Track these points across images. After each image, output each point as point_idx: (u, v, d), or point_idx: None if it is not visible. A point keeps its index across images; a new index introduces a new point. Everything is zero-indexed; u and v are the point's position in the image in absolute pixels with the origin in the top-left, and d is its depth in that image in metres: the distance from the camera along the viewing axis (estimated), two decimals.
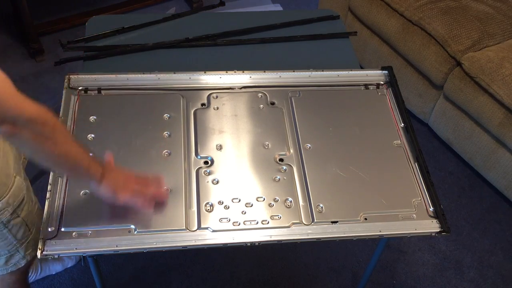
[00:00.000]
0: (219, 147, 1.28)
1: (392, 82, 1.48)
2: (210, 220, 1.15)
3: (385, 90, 1.48)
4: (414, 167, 1.30)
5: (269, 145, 1.30)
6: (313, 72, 1.47)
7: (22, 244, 1.27)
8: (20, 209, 1.20)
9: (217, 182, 1.21)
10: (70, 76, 1.37)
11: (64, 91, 1.34)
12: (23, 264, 1.33)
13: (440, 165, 2.31)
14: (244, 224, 1.15)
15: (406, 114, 1.40)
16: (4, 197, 1.13)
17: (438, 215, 1.21)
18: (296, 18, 1.72)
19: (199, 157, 1.26)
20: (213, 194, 1.19)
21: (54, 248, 1.06)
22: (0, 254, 1.26)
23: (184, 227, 1.12)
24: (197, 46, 1.59)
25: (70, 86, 1.35)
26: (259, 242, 1.13)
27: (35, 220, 1.27)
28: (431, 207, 1.22)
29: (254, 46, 1.63)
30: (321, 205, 1.20)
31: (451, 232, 1.49)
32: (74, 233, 1.08)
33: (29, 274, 1.69)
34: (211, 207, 1.17)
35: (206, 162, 1.25)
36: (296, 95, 1.42)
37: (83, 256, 1.75)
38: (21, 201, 1.19)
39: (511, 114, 1.94)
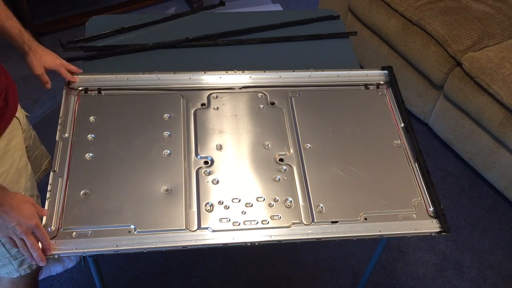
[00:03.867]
0: (219, 147, 1.28)
1: (392, 82, 1.48)
2: (210, 220, 1.15)
3: (385, 90, 1.48)
4: (414, 167, 1.30)
5: (269, 145, 1.30)
6: (313, 72, 1.47)
7: (16, 260, 1.26)
8: None
9: (217, 182, 1.21)
10: None
11: (64, 91, 1.34)
12: (34, 267, 1.33)
13: (440, 165, 2.31)
14: (244, 224, 1.15)
15: (406, 114, 1.40)
16: None
17: (438, 215, 1.21)
18: (296, 18, 1.72)
19: (199, 157, 1.26)
20: (213, 194, 1.19)
21: (54, 248, 1.06)
22: None
23: (184, 227, 1.12)
24: (197, 46, 1.59)
25: (70, 86, 1.35)
26: (259, 242, 1.13)
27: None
28: (431, 207, 1.22)
29: (254, 46, 1.63)
30: (321, 205, 1.20)
31: (451, 232, 1.49)
32: (74, 233, 1.09)
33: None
34: (211, 207, 1.17)
35: (206, 162, 1.25)
36: (296, 95, 1.42)
37: (83, 256, 1.75)
38: None
39: (511, 114, 1.94)
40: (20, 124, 1.24)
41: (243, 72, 1.45)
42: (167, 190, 1.18)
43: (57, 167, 1.18)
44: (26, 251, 1.03)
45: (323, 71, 1.48)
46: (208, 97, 1.39)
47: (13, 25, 1.20)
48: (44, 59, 1.26)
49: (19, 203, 1.00)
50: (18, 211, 0.99)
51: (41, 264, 1.05)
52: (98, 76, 1.38)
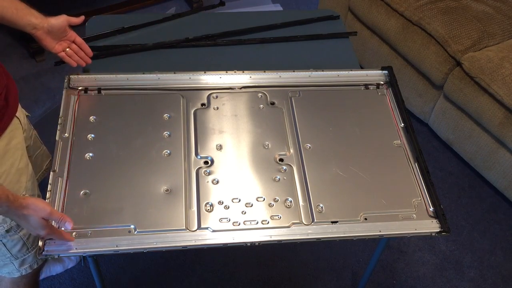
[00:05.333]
0: (219, 147, 1.28)
1: (392, 82, 1.48)
2: (210, 220, 1.15)
3: (385, 90, 1.48)
4: (414, 167, 1.30)
5: (269, 145, 1.30)
6: (313, 72, 1.47)
7: (17, 259, 1.27)
8: (20, 227, 1.20)
9: (217, 182, 1.21)
10: (70, 76, 1.36)
11: (64, 91, 1.34)
12: (35, 267, 1.33)
13: (440, 165, 2.31)
14: (244, 224, 1.15)
15: (406, 114, 1.40)
16: None
17: (438, 215, 1.21)
18: (296, 18, 1.72)
19: (199, 157, 1.26)
20: (213, 194, 1.19)
21: (54, 248, 1.06)
22: None
23: (184, 227, 1.12)
24: (197, 46, 1.59)
25: (70, 86, 1.35)
26: (259, 242, 1.13)
27: (37, 241, 1.27)
28: (431, 207, 1.22)
29: (254, 46, 1.62)
30: (321, 205, 1.20)
31: (451, 232, 1.49)
32: (74, 233, 1.08)
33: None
34: (211, 207, 1.17)
35: (206, 162, 1.25)
36: (296, 95, 1.42)
37: (83, 256, 1.75)
38: None
39: (511, 114, 1.94)
40: (21, 124, 1.25)
41: (243, 72, 1.45)
42: (167, 190, 1.18)
43: (57, 167, 1.18)
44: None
45: (323, 71, 1.48)
46: (208, 97, 1.39)
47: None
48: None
49: (26, 215, 0.99)
50: (26, 222, 1.00)
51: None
52: (98, 76, 1.38)
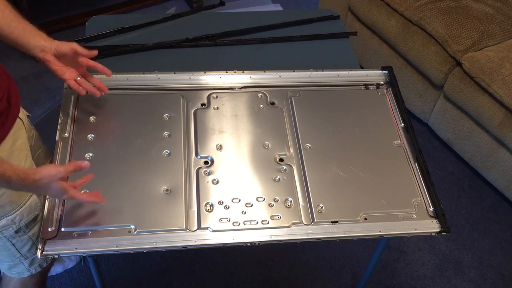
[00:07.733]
0: (219, 147, 1.28)
1: (392, 82, 1.48)
2: (210, 220, 1.15)
3: (385, 90, 1.48)
4: (414, 167, 1.30)
5: (269, 145, 1.30)
6: (313, 72, 1.48)
7: (26, 259, 1.26)
8: (29, 228, 1.20)
9: (217, 182, 1.21)
10: None
11: (64, 91, 1.34)
12: (45, 265, 1.33)
13: (440, 165, 2.31)
14: (244, 224, 1.15)
15: (406, 114, 1.40)
16: (11, 214, 1.13)
17: (438, 215, 1.21)
18: (296, 18, 1.72)
19: (199, 157, 1.26)
20: (213, 194, 1.19)
21: (54, 248, 1.06)
22: (4, 261, 1.26)
23: (184, 227, 1.12)
24: (197, 46, 1.59)
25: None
26: (259, 242, 1.13)
27: None
28: (431, 207, 1.22)
29: (254, 46, 1.63)
30: (321, 205, 1.20)
31: (451, 232, 1.49)
32: (74, 233, 1.09)
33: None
34: (211, 207, 1.17)
35: (206, 162, 1.25)
36: (296, 95, 1.42)
37: (83, 256, 1.75)
38: (32, 220, 1.19)
39: (511, 114, 1.94)
40: (24, 125, 1.24)
41: (243, 72, 1.45)
42: (167, 190, 1.18)
43: None
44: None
45: (323, 71, 1.48)
46: (208, 97, 1.39)
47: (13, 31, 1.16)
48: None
49: (43, 187, 1.00)
50: (46, 192, 1.06)
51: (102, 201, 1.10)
52: (98, 76, 1.38)
